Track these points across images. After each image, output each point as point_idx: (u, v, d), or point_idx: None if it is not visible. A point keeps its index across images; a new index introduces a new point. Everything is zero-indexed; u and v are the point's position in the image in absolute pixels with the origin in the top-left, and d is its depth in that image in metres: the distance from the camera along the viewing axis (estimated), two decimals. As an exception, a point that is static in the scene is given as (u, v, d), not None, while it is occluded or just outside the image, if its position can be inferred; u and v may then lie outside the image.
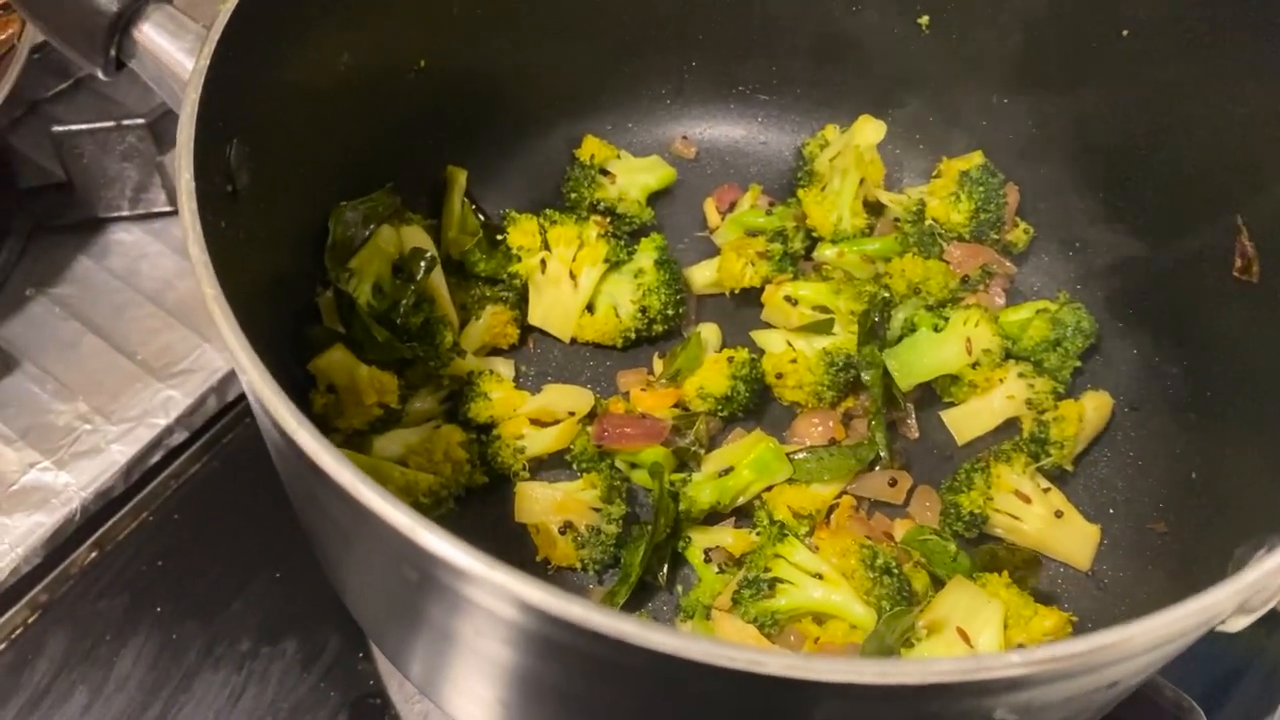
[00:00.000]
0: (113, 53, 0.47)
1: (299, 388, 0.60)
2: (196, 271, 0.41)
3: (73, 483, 0.69)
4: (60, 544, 0.68)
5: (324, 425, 0.60)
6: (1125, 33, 0.61)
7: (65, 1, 0.45)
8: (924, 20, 0.68)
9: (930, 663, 0.32)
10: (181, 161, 0.42)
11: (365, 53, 0.60)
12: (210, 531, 0.68)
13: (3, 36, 0.69)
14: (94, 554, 0.68)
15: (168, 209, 0.79)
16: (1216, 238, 0.59)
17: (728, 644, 0.31)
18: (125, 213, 0.79)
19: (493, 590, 0.34)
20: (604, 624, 0.32)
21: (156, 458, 0.71)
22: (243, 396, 0.73)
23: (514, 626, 0.37)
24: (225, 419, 0.73)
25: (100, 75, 0.48)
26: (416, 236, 0.65)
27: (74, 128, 0.74)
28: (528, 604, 0.33)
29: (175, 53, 0.47)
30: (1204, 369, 0.62)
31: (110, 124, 0.74)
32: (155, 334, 0.75)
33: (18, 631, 0.65)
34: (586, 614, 0.32)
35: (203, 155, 0.44)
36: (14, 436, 0.71)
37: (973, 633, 0.52)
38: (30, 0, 0.45)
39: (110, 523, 0.69)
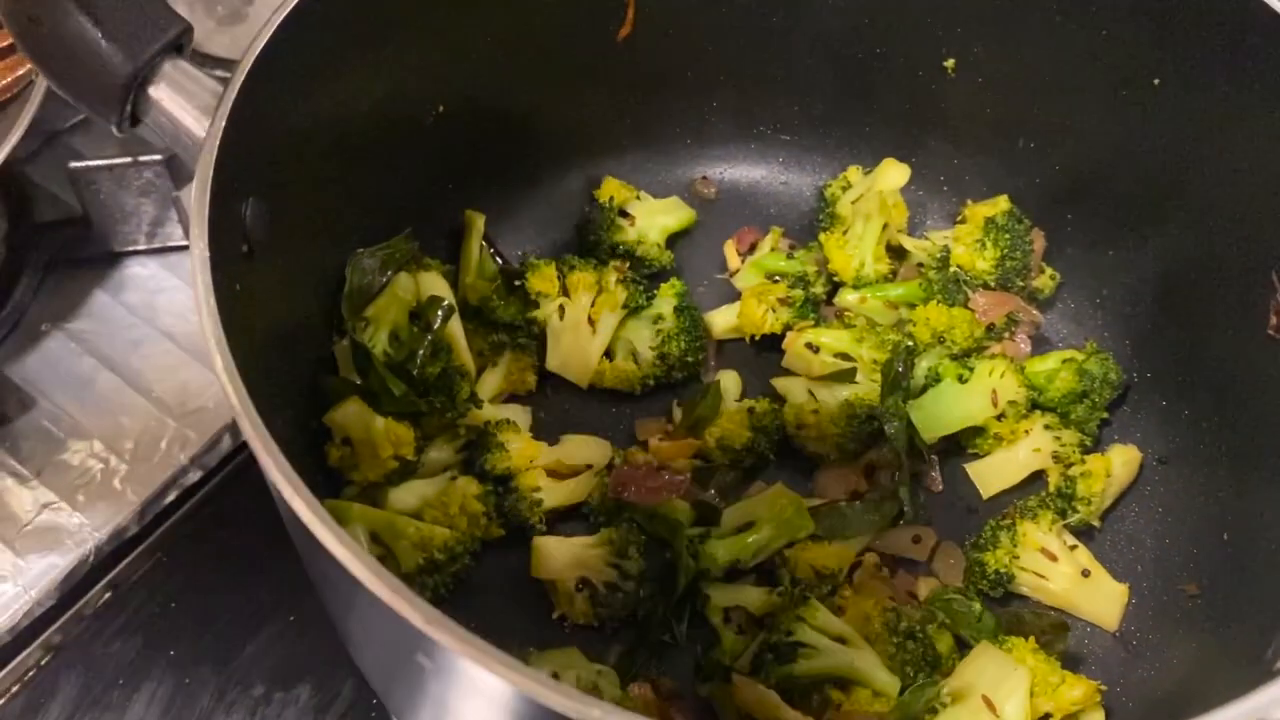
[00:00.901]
0: (128, 110, 0.46)
1: (315, 439, 0.59)
2: (209, 344, 0.40)
3: (87, 523, 0.68)
4: (74, 585, 0.67)
5: (339, 478, 0.59)
6: (1156, 81, 0.60)
7: (79, 63, 0.44)
8: (950, 63, 0.67)
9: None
10: (195, 231, 0.42)
11: (383, 101, 0.60)
12: (224, 573, 0.67)
13: (20, 72, 0.69)
14: (107, 595, 0.68)
15: (184, 243, 0.78)
16: (1251, 292, 0.58)
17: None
18: (141, 247, 0.79)
19: (489, 679, 0.34)
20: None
21: (171, 497, 0.70)
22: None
23: (516, 713, 0.36)
24: (239, 458, 0.72)
25: (115, 132, 0.48)
26: (434, 283, 0.64)
27: (91, 164, 0.74)
28: (528, 698, 0.33)
29: (189, 113, 0.46)
30: (1236, 423, 0.60)
31: (127, 160, 0.74)
32: (171, 371, 0.74)
33: (31, 674, 0.65)
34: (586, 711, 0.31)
35: (217, 220, 0.43)
36: (29, 475, 0.70)
37: (998, 701, 0.51)
38: (45, 61, 0.45)
39: (124, 564, 0.68)
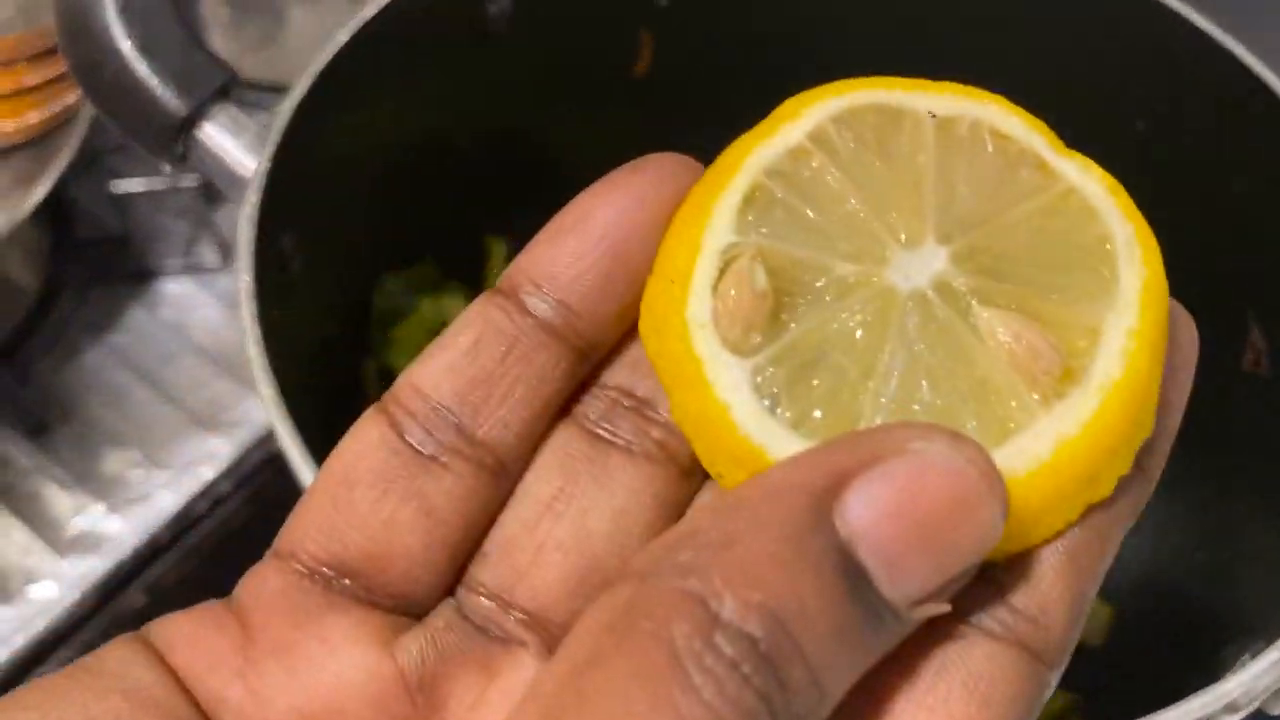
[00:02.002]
0: (179, 150, 0.50)
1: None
2: (254, 370, 0.43)
3: (124, 528, 0.72)
4: (112, 588, 0.71)
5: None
6: (1140, 127, 0.63)
7: (137, 107, 0.48)
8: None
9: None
10: (242, 263, 0.45)
11: (414, 132, 0.63)
12: (253, 579, 0.70)
13: (69, 101, 0.73)
14: (144, 599, 0.71)
15: (217, 264, 0.82)
16: (1231, 327, 0.61)
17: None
18: (177, 266, 0.82)
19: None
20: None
21: (204, 505, 0.74)
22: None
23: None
24: (268, 471, 0.76)
25: (165, 166, 0.51)
26: (457, 307, 0.67)
27: (132, 190, 0.77)
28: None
29: (236, 151, 0.50)
30: (1217, 451, 0.63)
31: (165, 184, 0.78)
32: (203, 385, 0.78)
33: (69, 672, 0.69)
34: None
35: (261, 252, 0.47)
36: (70, 481, 0.74)
37: (984, 712, 0.54)
38: (105, 104, 0.48)
39: (159, 569, 0.72)
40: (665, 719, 0.15)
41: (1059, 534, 0.20)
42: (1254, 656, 0.45)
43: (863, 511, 0.17)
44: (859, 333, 0.21)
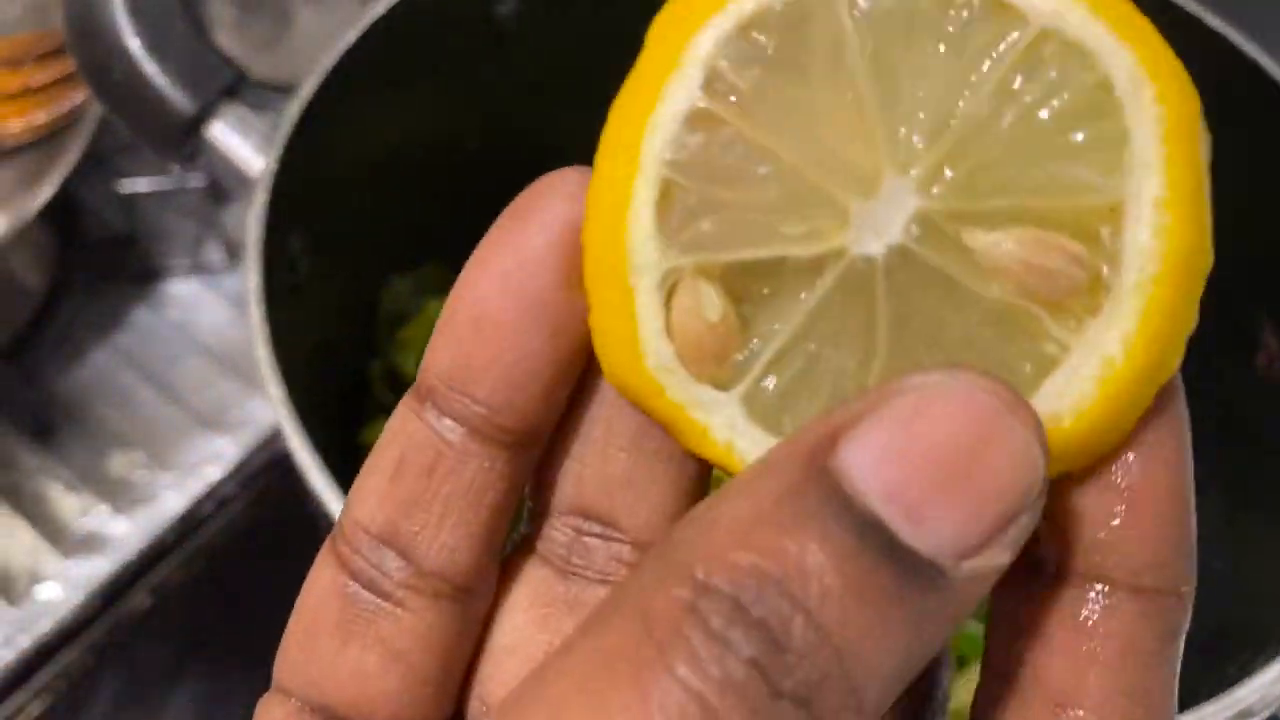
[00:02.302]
0: (187, 149, 0.49)
1: (351, 455, 0.62)
2: (263, 371, 0.43)
3: (130, 529, 0.72)
4: (117, 590, 0.71)
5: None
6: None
7: (143, 103, 0.48)
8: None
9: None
10: (250, 264, 0.45)
11: (423, 132, 0.63)
12: (259, 581, 0.70)
13: (77, 102, 0.72)
14: (148, 600, 0.71)
15: (223, 265, 0.82)
16: (1245, 332, 0.60)
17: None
18: (183, 267, 0.82)
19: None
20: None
21: (209, 507, 0.74)
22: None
23: None
24: (275, 471, 0.75)
25: (175, 166, 0.51)
26: (464, 308, 0.67)
27: (139, 190, 0.77)
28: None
29: (243, 150, 0.49)
30: (1229, 456, 0.63)
31: (171, 184, 0.78)
32: (209, 385, 0.78)
33: (75, 673, 0.68)
34: None
35: (269, 253, 0.47)
36: (75, 482, 0.74)
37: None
38: (109, 98, 0.48)
39: (165, 570, 0.72)
40: (636, 698, 0.14)
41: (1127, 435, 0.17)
42: (1269, 662, 0.45)
43: (862, 457, 0.15)
44: (844, 317, 0.18)
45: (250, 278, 0.44)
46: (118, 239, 0.81)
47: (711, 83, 0.18)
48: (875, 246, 0.17)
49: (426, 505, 0.20)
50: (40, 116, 0.73)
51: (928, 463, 0.15)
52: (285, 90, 0.53)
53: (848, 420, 0.15)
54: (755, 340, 0.18)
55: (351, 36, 0.52)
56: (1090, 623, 0.17)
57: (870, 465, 0.15)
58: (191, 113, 0.47)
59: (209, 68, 0.47)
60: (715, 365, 0.18)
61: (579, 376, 0.20)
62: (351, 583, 0.20)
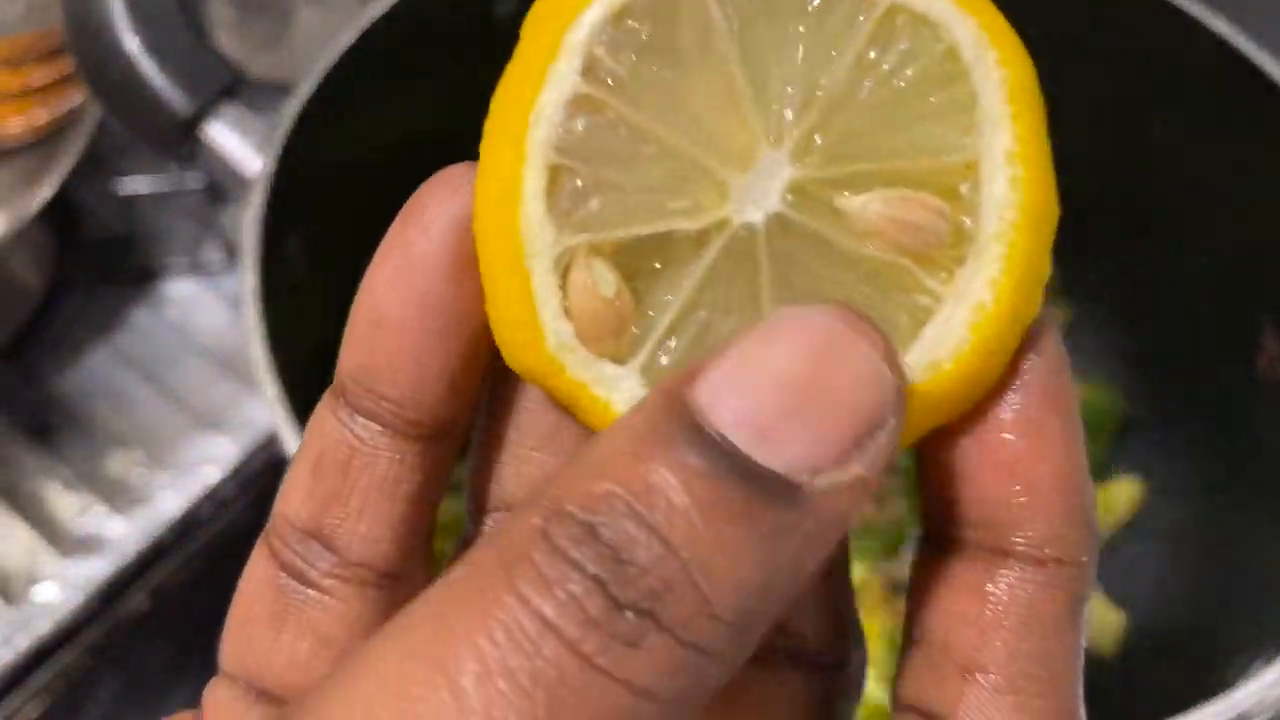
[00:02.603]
0: (185, 149, 0.49)
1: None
2: (259, 371, 0.43)
3: (128, 530, 0.72)
4: (115, 590, 0.70)
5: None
6: (1155, 131, 0.62)
7: (141, 103, 0.47)
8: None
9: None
10: (247, 264, 0.45)
11: (422, 133, 0.63)
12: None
13: (75, 103, 0.72)
14: (147, 601, 0.71)
15: (222, 265, 0.82)
16: (1245, 333, 0.60)
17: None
18: (181, 267, 0.82)
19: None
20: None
21: (208, 508, 0.74)
22: (291, 452, 0.75)
23: None
24: (274, 472, 0.75)
25: (171, 169, 0.51)
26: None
27: (137, 191, 0.77)
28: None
29: (242, 150, 0.49)
30: (1232, 457, 0.63)
31: (170, 185, 0.77)
32: (208, 386, 0.78)
33: (72, 675, 0.68)
34: None
35: (266, 254, 0.47)
36: (73, 482, 0.74)
37: (994, 720, 0.54)
38: (108, 98, 0.48)
39: (162, 571, 0.72)
40: (478, 615, 0.15)
41: (992, 403, 0.18)
42: (1267, 665, 0.45)
43: (713, 387, 0.16)
44: (731, 284, 0.18)
45: (247, 278, 0.44)
46: (116, 239, 0.81)
47: (590, 69, 0.18)
48: (755, 215, 0.18)
49: (345, 499, 0.21)
50: (40, 116, 0.72)
51: (773, 385, 0.15)
52: (284, 90, 0.52)
53: (707, 359, 0.16)
54: (650, 313, 0.19)
55: (351, 36, 0.52)
56: (994, 593, 0.18)
57: (719, 393, 0.15)
58: (189, 113, 0.47)
59: (207, 68, 0.47)
60: (613, 341, 0.18)
61: (489, 371, 0.21)
62: (282, 574, 0.21)
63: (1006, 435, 0.18)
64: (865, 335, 0.16)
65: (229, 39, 0.87)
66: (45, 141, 0.73)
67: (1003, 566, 0.18)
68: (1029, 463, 0.18)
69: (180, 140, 0.48)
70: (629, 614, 0.15)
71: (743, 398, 0.15)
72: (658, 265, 0.19)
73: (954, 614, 0.19)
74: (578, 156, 0.18)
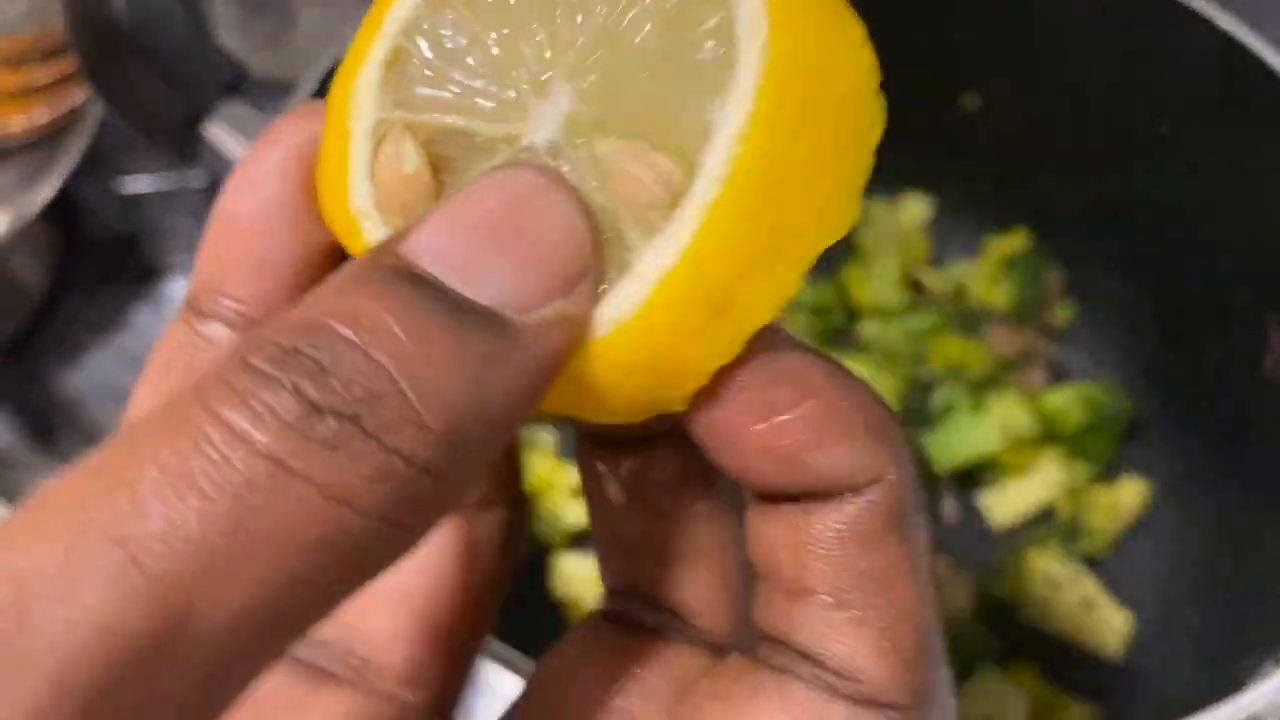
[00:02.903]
0: (188, 147, 0.49)
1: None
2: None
3: (129, 531, 0.71)
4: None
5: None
6: (1163, 129, 0.62)
7: (144, 101, 0.47)
8: (972, 99, 0.69)
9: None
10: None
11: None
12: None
13: (76, 103, 0.72)
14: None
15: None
16: (1254, 334, 0.60)
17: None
18: (184, 266, 0.82)
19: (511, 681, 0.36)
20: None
21: (210, 508, 0.73)
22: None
23: None
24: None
25: (174, 168, 0.51)
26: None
27: (140, 190, 0.77)
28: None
29: (245, 149, 0.49)
30: (1241, 457, 0.62)
31: (172, 183, 0.77)
32: (211, 386, 0.77)
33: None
34: None
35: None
36: (75, 484, 0.73)
37: (1001, 723, 0.53)
38: (110, 96, 0.48)
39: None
40: (168, 432, 0.15)
41: (727, 376, 0.18)
42: (1277, 666, 0.44)
43: (420, 235, 0.17)
44: None
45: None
46: (119, 238, 0.81)
47: None
48: (539, 138, 0.19)
49: None
50: (42, 115, 0.72)
51: (476, 226, 0.17)
52: (286, 88, 0.52)
53: (422, 217, 0.17)
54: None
55: (352, 34, 0.52)
56: (807, 522, 0.19)
57: (426, 239, 0.17)
58: (192, 111, 0.47)
59: (210, 66, 0.47)
60: (402, 217, 0.19)
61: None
62: None
63: (757, 395, 0.19)
64: (563, 188, 0.18)
65: (232, 37, 0.86)
66: (47, 140, 0.73)
67: (812, 501, 0.19)
68: (799, 427, 0.19)
69: (183, 139, 0.48)
70: (330, 420, 0.15)
71: (449, 238, 0.17)
72: (459, 163, 0.20)
73: (771, 544, 0.19)
74: (420, 43, 0.20)
